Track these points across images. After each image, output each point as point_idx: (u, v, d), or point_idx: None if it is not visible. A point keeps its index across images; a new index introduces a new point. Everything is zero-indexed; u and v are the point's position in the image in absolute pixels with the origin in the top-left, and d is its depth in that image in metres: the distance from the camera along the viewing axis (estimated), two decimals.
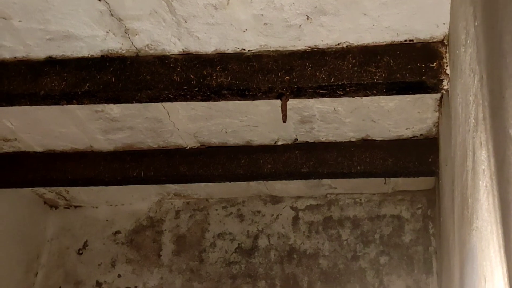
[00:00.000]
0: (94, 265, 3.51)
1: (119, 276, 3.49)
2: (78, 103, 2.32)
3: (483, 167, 1.32)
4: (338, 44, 2.12)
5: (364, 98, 2.37)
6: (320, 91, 2.17)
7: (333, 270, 3.26)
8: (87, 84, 2.21)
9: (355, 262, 3.25)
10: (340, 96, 2.21)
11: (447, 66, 2.04)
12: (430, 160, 2.68)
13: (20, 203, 3.46)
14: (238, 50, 2.16)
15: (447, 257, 2.43)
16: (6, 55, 2.22)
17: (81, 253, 3.56)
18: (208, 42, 2.13)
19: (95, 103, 2.35)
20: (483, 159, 1.33)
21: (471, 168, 1.54)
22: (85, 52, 2.21)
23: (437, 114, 2.55)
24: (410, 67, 2.07)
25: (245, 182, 3.19)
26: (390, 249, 3.23)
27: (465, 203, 1.69)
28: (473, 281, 1.53)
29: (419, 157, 2.70)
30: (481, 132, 1.35)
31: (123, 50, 2.19)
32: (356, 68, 2.09)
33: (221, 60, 2.17)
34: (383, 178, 3.11)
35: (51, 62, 2.24)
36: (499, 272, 1.15)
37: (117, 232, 3.59)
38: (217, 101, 2.30)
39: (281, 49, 2.14)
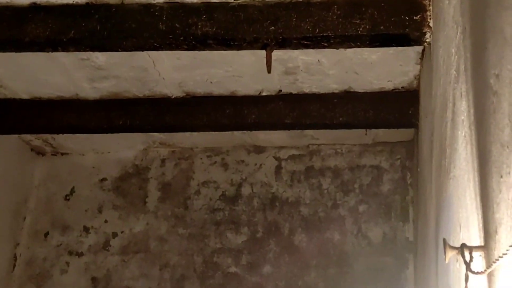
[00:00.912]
0: (81, 210, 3.60)
1: (105, 221, 3.62)
2: (63, 51, 2.30)
3: (463, 117, 1.34)
4: None
5: (348, 50, 2.39)
6: (305, 42, 2.17)
7: (314, 218, 3.38)
8: (72, 32, 2.18)
9: (335, 210, 3.38)
10: (324, 47, 2.22)
11: (430, 19, 2.05)
12: (410, 112, 2.74)
13: (7, 149, 3.49)
14: (223, 0, 2.13)
15: (424, 206, 2.52)
16: None
17: (68, 199, 3.64)
18: None
19: (80, 51, 2.34)
20: (462, 109, 1.34)
21: (450, 119, 1.57)
22: None
23: (418, 67, 2.58)
24: (394, 19, 2.07)
25: (229, 132, 3.26)
26: (369, 198, 3.36)
27: (443, 153, 1.72)
28: (448, 228, 1.58)
29: (399, 109, 2.76)
30: (462, 83, 1.35)
31: None
32: (341, 20, 2.09)
33: (207, 9, 2.14)
34: (364, 130, 3.17)
35: (36, 8, 2.20)
36: (475, 219, 1.19)
37: (104, 179, 3.66)
38: (202, 50, 2.30)
39: None
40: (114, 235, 3.56)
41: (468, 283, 1.30)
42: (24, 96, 2.95)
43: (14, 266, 3.60)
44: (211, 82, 2.78)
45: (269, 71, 2.21)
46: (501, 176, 0.93)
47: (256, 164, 3.57)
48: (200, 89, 2.86)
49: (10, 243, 3.60)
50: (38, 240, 3.61)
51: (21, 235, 3.62)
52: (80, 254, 3.56)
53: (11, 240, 3.61)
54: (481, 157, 1.09)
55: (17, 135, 3.40)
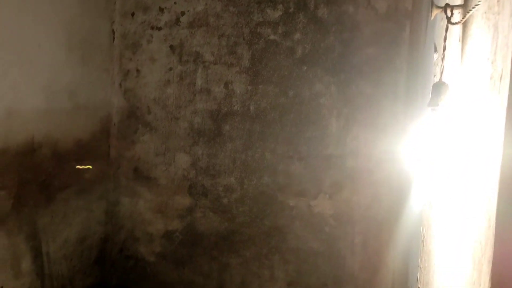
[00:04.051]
0: None
1: (175, 3, 3.75)
2: None
3: None
4: None
5: None
6: None
7: None
8: None
9: None
10: None
11: None
12: None
13: None
14: None
15: None
16: None
17: None
18: None
19: None
20: None
21: None
22: None
23: None
24: None
25: None
26: None
27: None
28: None
29: None
30: None
31: None
32: None
33: None
34: None
35: None
36: None
37: None
38: None
39: None
40: (182, 13, 3.75)
41: (448, 32, 1.57)
42: None
43: (113, 38, 3.89)
44: None
45: None
46: None
47: None
48: None
49: (108, 21, 3.82)
50: (128, 18, 3.85)
51: (114, 15, 3.82)
52: (159, 29, 3.84)
53: (108, 18, 3.82)
54: None
55: None
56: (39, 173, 3.22)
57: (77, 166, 3.05)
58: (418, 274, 1.57)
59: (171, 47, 3.82)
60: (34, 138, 3.13)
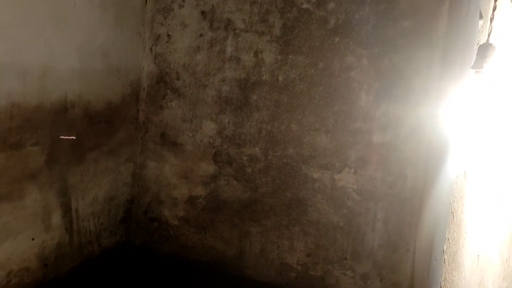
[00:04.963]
0: None
1: None
2: None
3: None
4: None
5: None
6: None
7: None
8: None
9: None
10: None
11: None
12: None
13: None
14: None
15: None
16: None
17: None
18: None
19: None
20: None
21: None
22: None
23: None
24: None
25: None
26: None
27: None
28: None
29: None
30: None
31: None
32: None
33: None
34: None
35: None
36: None
37: None
38: None
39: None
40: None
41: None
42: None
43: (146, 1, 3.86)
44: None
45: None
46: None
47: None
48: None
49: None
50: None
51: None
52: None
53: None
54: None
55: None
56: (71, 132, 3.27)
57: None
58: (445, 245, 1.54)
59: (202, 12, 3.77)
60: (67, 97, 3.17)
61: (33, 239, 3.10)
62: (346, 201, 3.57)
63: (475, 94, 1.28)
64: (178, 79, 3.90)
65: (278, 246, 3.79)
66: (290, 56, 3.57)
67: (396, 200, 3.45)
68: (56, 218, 3.27)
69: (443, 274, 1.54)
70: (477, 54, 1.25)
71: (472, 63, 1.27)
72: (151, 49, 3.94)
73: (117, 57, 3.63)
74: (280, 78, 3.62)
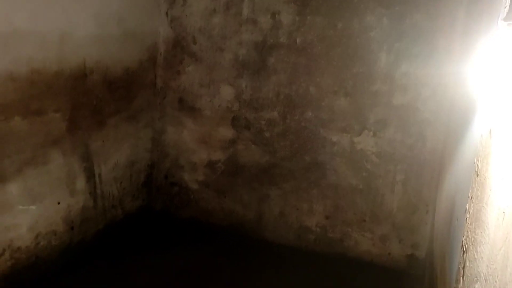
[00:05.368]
0: None
1: None
2: None
3: None
4: None
5: None
6: None
7: None
8: None
9: None
10: None
11: None
12: None
13: None
14: None
15: None
16: None
17: None
18: None
19: None
20: None
21: None
22: None
23: None
24: None
25: None
26: None
27: None
28: None
29: None
30: None
31: None
32: None
33: None
34: None
35: None
36: None
37: None
38: None
39: None
40: None
41: None
42: None
43: None
44: None
45: None
46: None
47: None
48: None
49: None
50: None
51: None
52: None
53: None
54: None
55: None
56: (90, 98, 3.30)
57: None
58: (467, 205, 1.54)
59: None
60: (85, 64, 3.18)
61: (59, 203, 3.20)
62: (365, 164, 3.55)
63: (506, 49, 1.22)
64: (194, 43, 3.85)
65: (297, 209, 3.83)
66: (308, 17, 3.49)
67: (416, 162, 3.43)
68: (80, 183, 3.36)
69: (465, 233, 1.54)
70: (510, 4, 1.19)
71: (504, 15, 1.21)
72: (166, 13, 3.89)
73: (133, 22, 3.59)
74: (298, 40, 3.55)
